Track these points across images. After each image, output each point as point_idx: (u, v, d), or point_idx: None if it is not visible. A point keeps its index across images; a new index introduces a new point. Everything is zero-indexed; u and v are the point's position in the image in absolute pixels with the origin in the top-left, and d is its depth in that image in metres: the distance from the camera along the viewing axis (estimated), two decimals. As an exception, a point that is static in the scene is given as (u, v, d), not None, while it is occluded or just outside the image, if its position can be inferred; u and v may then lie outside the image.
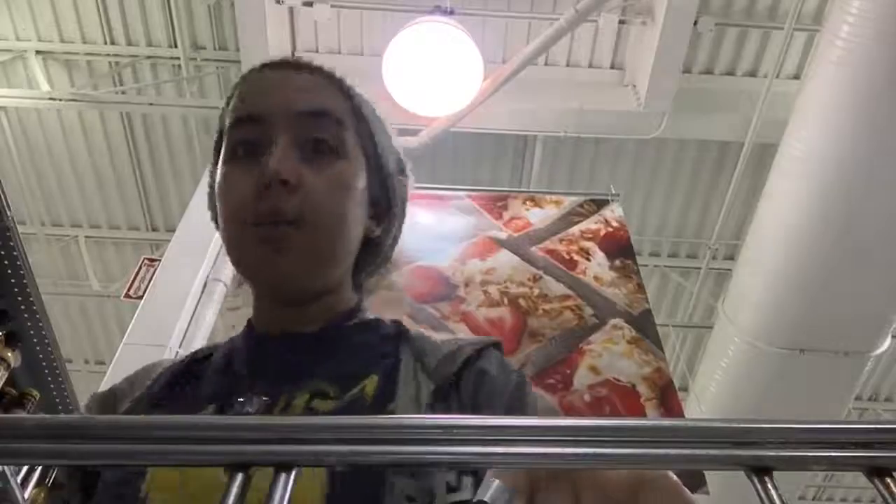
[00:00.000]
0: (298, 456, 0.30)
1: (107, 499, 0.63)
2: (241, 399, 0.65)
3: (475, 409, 0.64)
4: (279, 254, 0.66)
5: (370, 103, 0.79)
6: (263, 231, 0.66)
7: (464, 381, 0.66)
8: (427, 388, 0.65)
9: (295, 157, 0.67)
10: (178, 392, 0.71)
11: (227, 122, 0.72)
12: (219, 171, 0.72)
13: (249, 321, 0.75)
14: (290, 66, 0.76)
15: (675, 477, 0.36)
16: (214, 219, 0.75)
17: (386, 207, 0.78)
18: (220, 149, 0.73)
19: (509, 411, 0.64)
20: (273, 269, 0.67)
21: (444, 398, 0.65)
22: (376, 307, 0.79)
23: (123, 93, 4.14)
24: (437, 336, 0.75)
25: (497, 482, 0.34)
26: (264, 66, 0.77)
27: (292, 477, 0.30)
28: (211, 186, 0.76)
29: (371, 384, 0.65)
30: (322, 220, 0.67)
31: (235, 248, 0.69)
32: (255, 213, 0.66)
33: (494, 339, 0.72)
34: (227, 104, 0.75)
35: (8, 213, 1.61)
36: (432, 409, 0.63)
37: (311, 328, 0.71)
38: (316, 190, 0.67)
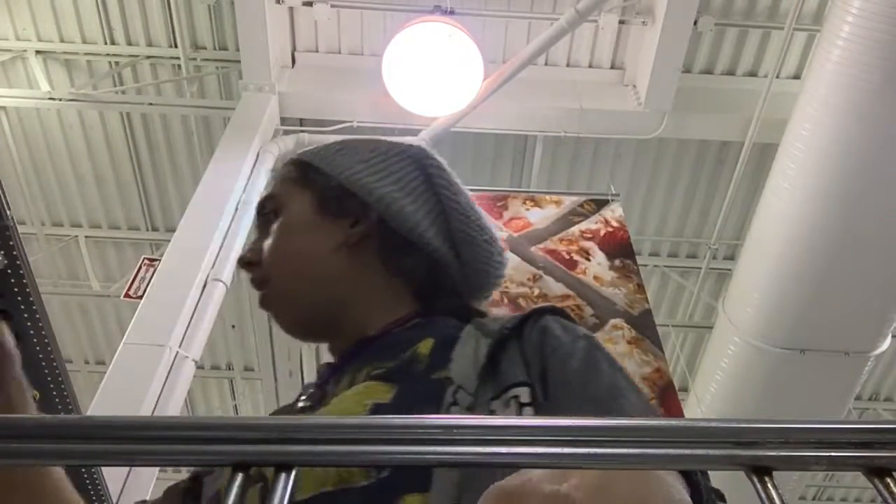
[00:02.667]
0: (298, 456, 0.30)
1: None
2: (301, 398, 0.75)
3: (540, 358, 0.64)
4: (269, 311, 0.81)
5: (323, 154, 0.86)
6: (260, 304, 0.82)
7: (526, 332, 0.67)
8: (485, 344, 0.66)
9: (256, 241, 0.84)
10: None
11: None
12: None
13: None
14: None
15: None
16: None
17: (360, 205, 0.81)
18: None
19: (583, 386, 0.61)
20: (274, 318, 0.81)
21: (501, 348, 0.65)
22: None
23: (123, 93, 4.14)
24: None
25: None
26: None
27: (292, 477, 0.30)
28: None
29: (425, 346, 0.68)
30: (275, 268, 0.80)
31: None
32: None
33: (556, 306, 0.73)
34: None
35: (8, 212, 1.61)
36: (491, 359, 0.64)
37: (369, 334, 0.78)
38: (266, 251, 0.81)
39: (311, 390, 0.76)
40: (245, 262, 0.82)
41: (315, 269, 0.80)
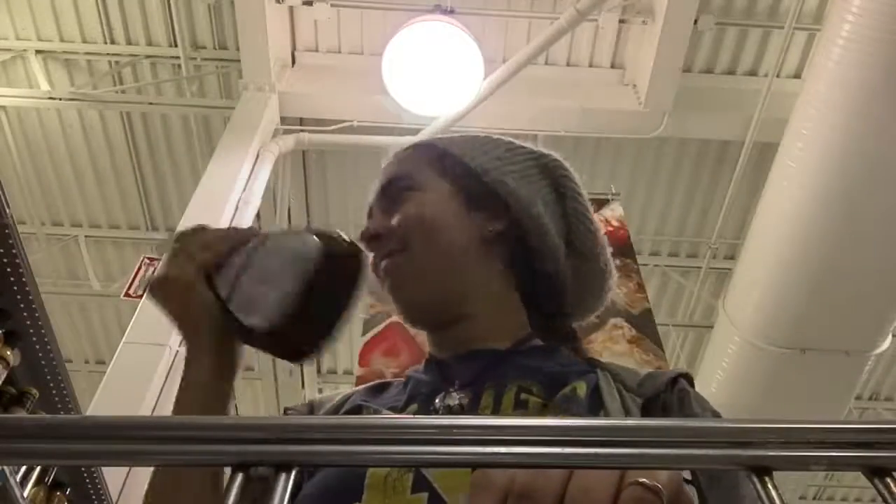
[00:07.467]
0: (298, 456, 0.30)
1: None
2: (441, 395, 0.70)
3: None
4: (396, 279, 0.77)
5: (458, 144, 0.84)
6: (381, 273, 0.77)
7: (667, 398, 0.69)
8: (635, 403, 0.67)
9: (382, 217, 0.80)
10: (377, 397, 0.78)
11: None
12: None
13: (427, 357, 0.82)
14: (392, 159, 0.86)
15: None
16: None
17: (498, 203, 0.79)
18: None
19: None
20: (398, 290, 0.77)
21: (655, 414, 0.67)
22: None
23: (123, 92, 4.14)
24: None
25: None
26: None
27: (292, 477, 0.30)
28: None
29: (581, 389, 0.67)
30: (415, 236, 0.76)
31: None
32: (375, 268, 0.78)
33: (685, 371, 0.74)
34: None
35: (7, 211, 1.61)
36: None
37: (495, 346, 0.74)
38: (400, 224, 0.77)
39: (451, 392, 0.71)
40: (371, 235, 0.77)
41: (452, 254, 0.76)
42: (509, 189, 0.78)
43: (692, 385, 0.72)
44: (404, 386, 0.77)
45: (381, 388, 0.80)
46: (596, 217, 0.84)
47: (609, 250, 0.84)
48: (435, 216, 0.77)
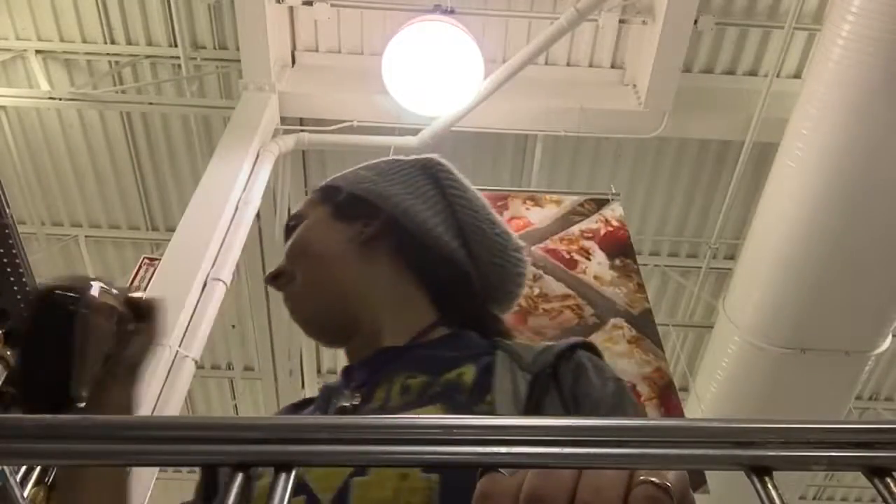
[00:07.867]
0: (298, 456, 0.30)
1: None
2: (336, 398, 0.74)
3: (574, 402, 0.65)
4: (291, 305, 0.85)
5: (343, 174, 0.92)
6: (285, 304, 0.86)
7: (561, 371, 0.68)
8: (524, 379, 0.67)
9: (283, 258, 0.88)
10: (297, 413, 0.84)
11: None
12: None
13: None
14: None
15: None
16: None
17: (370, 208, 0.85)
18: None
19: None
20: (295, 316, 0.84)
21: (543, 389, 0.66)
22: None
23: (123, 92, 4.14)
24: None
25: None
26: None
27: (292, 477, 0.30)
28: None
29: (468, 374, 0.69)
30: (296, 261, 0.84)
31: None
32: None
33: (586, 339, 0.74)
34: None
35: (7, 211, 1.61)
36: (530, 399, 0.65)
37: (395, 344, 0.78)
38: (287, 255, 0.86)
39: (345, 393, 0.75)
40: (271, 277, 0.85)
41: (331, 267, 0.82)
42: (376, 192, 0.84)
43: (597, 354, 0.72)
44: (323, 391, 0.81)
45: (303, 405, 0.84)
46: (481, 194, 0.89)
47: (501, 224, 0.87)
48: (309, 236, 0.85)
